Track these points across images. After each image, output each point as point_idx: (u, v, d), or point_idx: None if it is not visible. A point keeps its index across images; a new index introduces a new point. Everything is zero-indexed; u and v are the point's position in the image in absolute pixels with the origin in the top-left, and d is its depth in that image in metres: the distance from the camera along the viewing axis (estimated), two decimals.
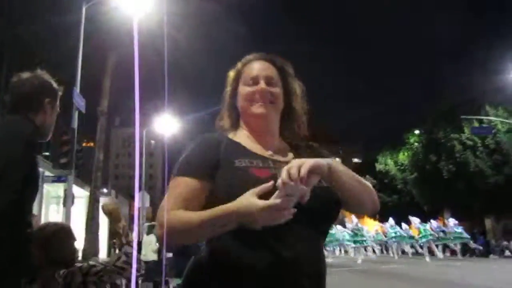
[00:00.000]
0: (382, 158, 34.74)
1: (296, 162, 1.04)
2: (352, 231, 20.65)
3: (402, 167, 32.07)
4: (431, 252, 19.18)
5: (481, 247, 20.55)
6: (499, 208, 23.71)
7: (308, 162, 1.04)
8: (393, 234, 20.94)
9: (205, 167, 1.15)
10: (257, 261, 1.08)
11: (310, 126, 1.37)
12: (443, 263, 15.86)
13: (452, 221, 19.50)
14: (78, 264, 1.94)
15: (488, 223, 27.39)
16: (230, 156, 1.17)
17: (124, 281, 4.30)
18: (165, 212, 1.07)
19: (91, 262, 2.00)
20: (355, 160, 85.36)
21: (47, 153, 15.75)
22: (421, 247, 20.03)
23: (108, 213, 1.90)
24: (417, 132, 32.26)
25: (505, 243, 22.67)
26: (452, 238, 18.79)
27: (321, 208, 1.15)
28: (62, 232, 2.00)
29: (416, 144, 31.02)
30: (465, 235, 19.03)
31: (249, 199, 1.03)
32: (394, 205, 29.90)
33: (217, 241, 1.12)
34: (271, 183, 1.04)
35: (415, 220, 20.29)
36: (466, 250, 19.98)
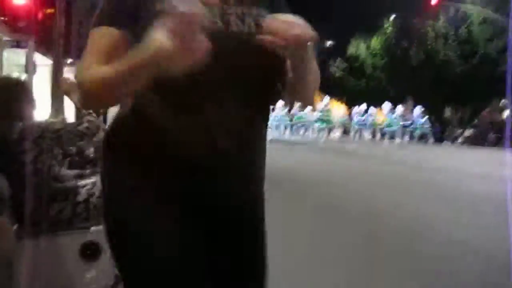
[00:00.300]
0: (355, 42, 34.40)
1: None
2: (321, 112, 21.00)
3: (373, 52, 32.05)
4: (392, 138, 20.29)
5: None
6: (461, 98, 24.63)
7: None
8: (356, 122, 21.70)
9: (124, 12, 0.92)
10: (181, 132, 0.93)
11: None
12: (398, 147, 16.93)
13: (417, 110, 20.18)
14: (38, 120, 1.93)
15: (448, 111, 28.68)
16: None
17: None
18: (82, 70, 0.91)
19: (52, 120, 2.00)
20: (329, 42, 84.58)
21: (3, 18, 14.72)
22: (383, 134, 21.03)
23: (65, 91, 1.84)
24: (393, 16, 31.65)
25: (459, 131, 24.06)
26: (414, 128, 19.84)
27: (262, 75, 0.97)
28: (18, 86, 1.95)
29: (390, 29, 30.65)
30: (427, 126, 20.04)
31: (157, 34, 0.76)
32: (362, 89, 30.46)
33: (139, 101, 0.94)
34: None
35: (385, 107, 20.68)
36: (422, 137, 21.13)
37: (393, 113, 20.13)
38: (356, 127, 21.94)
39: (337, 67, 35.17)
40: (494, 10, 22.84)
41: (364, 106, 21.93)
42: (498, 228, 3.88)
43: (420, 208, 4.93)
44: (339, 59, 35.39)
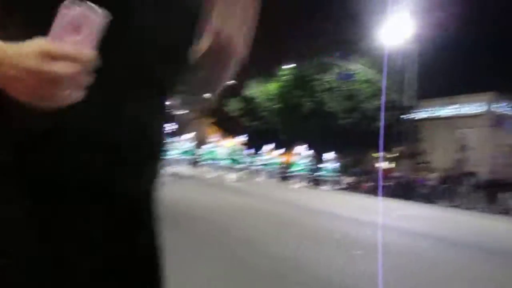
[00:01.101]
0: (253, 85, 35.85)
1: None
2: (228, 149, 21.14)
3: (269, 96, 33.65)
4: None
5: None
6: (344, 147, 26.81)
7: None
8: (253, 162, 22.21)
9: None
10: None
11: None
12: (297, 190, 17.78)
13: (329, 156, 20.79)
14: None
15: (333, 158, 30.97)
16: None
17: None
18: None
19: None
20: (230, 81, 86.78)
21: None
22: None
23: None
24: (290, 66, 33.80)
25: (342, 178, 26.03)
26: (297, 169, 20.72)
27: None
28: None
29: (287, 77, 32.60)
30: (303, 167, 20.66)
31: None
32: (256, 130, 31.61)
33: None
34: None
35: (298, 150, 21.25)
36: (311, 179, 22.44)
37: (304, 157, 20.52)
38: (254, 167, 22.61)
39: (233, 107, 36.26)
40: (376, 73, 25.77)
41: (271, 146, 22.39)
42: (366, 269, 4.29)
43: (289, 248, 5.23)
44: (236, 98, 36.49)
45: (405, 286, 3.81)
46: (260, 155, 22.48)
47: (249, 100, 35.52)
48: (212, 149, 20.91)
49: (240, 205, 9.18)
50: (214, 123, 45.29)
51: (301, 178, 19.51)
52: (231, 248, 4.73)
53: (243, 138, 19.26)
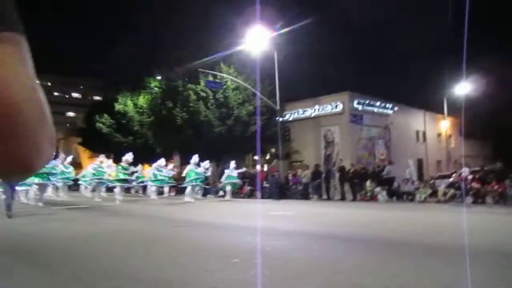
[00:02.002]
0: (122, 99, 34.36)
1: None
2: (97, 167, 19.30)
3: (140, 110, 32.54)
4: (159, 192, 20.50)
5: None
6: (219, 154, 26.98)
7: None
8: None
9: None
10: None
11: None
12: (159, 201, 17.17)
13: (204, 165, 19.06)
14: None
15: (211, 166, 31.05)
16: None
17: None
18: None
19: None
20: (96, 97, 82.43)
21: None
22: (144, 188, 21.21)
23: None
24: (159, 78, 33.12)
25: (220, 185, 26.21)
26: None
27: None
28: None
29: (156, 89, 31.87)
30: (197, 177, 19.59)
31: None
32: (129, 145, 30.24)
33: None
34: None
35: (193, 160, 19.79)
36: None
37: (195, 168, 18.98)
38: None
39: (103, 123, 34.27)
40: (244, 80, 26.51)
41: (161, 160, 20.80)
42: (242, 277, 4.17)
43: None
44: (105, 115, 34.61)
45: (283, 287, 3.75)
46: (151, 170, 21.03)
47: (120, 115, 33.92)
48: (94, 170, 19.10)
49: (115, 228, 8.51)
50: (82, 143, 42.24)
51: (193, 189, 18.37)
52: (96, 279, 4.23)
53: (128, 156, 17.50)
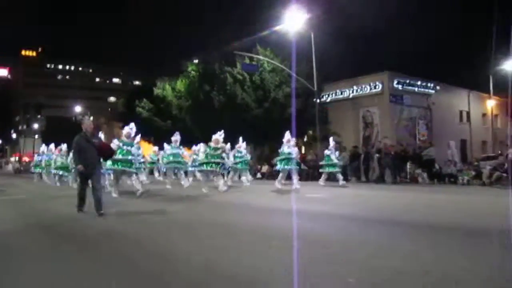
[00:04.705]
0: (160, 84, 34.99)
1: None
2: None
3: (178, 94, 33.03)
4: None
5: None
6: (257, 137, 27.07)
7: None
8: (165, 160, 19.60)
9: None
10: None
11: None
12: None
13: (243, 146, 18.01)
14: None
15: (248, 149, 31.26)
16: None
17: None
18: None
19: None
20: (136, 82, 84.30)
21: None
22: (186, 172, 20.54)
23: None
24: (195, 61, 33.43)
25: (258, 167, 26.37)
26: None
27: None
28: None
29: (193, 73, 32.19)
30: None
31: None
32: (168, 129, 30.84)
33: None
34: None
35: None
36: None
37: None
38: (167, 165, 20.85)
39: (142, 107, 35.04)
40: (280, 62, 26.29)
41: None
42: (281, 260, 4.21)
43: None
44: (144, 100, 35.37)
45: (322, 271, 3.77)
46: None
47: (158, 100, 34.62)
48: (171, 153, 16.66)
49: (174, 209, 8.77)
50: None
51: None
52: (129, 254, 4.41)
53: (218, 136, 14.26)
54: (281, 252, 4.45)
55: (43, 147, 23.06)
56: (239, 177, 18.32)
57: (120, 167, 11.47)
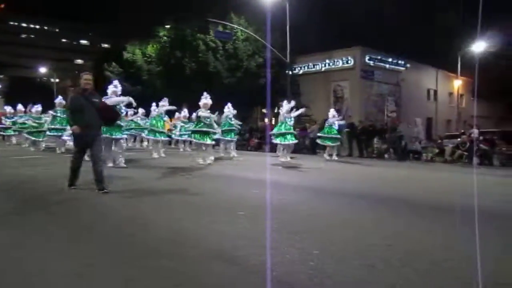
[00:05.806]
0: (130, 47, 33.98)
1: None
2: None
3: (149, 59, 32.23)
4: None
5: None
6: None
7: None
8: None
9: None
10: None
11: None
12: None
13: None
14: None
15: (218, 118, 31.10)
16: None
17: None
18: None
19: None
20: (104, 45, 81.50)
21: None
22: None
23: None
24: (167, 27, 32.54)
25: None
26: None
27: None
28: None
29: (165, 38, 31.38)
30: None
31: None
32: (138, 95, 30.18)
33: None
34: None
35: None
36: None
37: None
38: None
39: (111, 72, 34.07)
40: (254, 31, 25.94)
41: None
42: (249, 229, 4.29)
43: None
44: (113, 63, 34.35)
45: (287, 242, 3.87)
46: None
47: (128, 64, 33.68)
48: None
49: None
50: None
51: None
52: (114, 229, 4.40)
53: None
54: (248, 222, 4.52)
55: (9, 108, 21.96)
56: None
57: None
